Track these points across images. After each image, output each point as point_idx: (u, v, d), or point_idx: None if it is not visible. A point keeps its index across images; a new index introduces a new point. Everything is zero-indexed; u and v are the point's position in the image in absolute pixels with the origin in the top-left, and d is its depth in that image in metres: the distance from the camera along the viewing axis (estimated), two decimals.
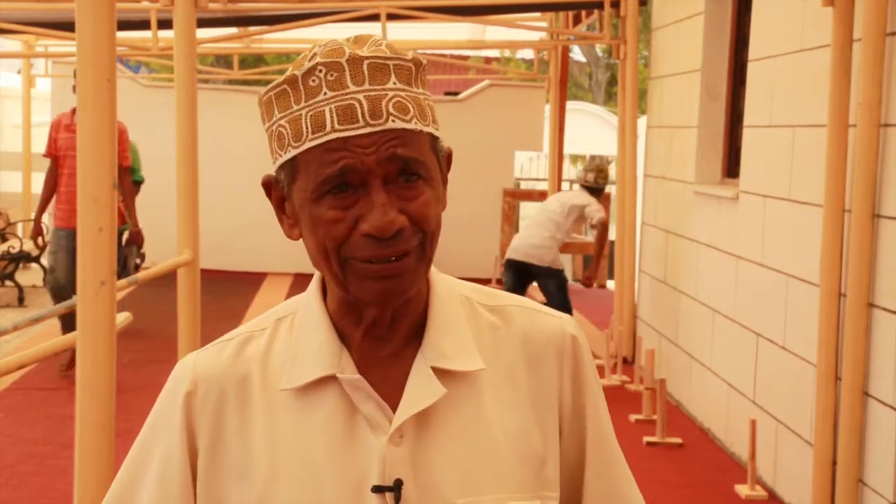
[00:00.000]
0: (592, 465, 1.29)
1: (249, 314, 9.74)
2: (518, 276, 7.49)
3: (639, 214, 8.24)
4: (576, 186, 7.95)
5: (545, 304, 7.78)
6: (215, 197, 11.19)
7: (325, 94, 1.15)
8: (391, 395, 1.19)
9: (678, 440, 6.00)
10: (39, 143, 13.29)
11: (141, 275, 3.56)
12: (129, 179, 7.34)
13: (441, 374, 1.21)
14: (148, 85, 12.89)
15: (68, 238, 6.96)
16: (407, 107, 1.15)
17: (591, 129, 20.95)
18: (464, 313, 1.26)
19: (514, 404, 1.24)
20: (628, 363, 7.74)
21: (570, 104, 13.99)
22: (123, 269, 7.43)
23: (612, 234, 9.32)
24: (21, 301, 10.05)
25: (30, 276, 11.26)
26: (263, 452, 1.20)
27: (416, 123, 1.16)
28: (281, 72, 14.82)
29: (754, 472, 5.18)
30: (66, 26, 7.27)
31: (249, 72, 13.47)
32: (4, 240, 11.25)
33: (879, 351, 4.18)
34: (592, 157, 8.34)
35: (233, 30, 9.47)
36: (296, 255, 12.49)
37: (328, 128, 1.14)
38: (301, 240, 1.22)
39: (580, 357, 1.29)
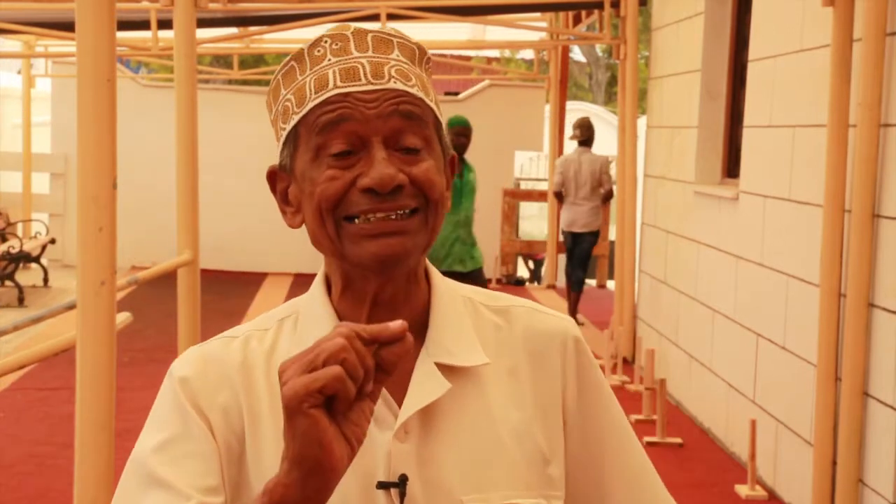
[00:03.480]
0: (618, 475, 1.27)
1: (249, 314, 9.73)
2: (575, 241, 9.26)
3: (639, 214, 8.24)
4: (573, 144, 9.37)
5: (574, 261, 9.16)
6: (215, 197, 11.19)
7: (329, 59, 1.16)
8: (396, 390, 1.18)
9: (678, 440, 6.00)
10: (39, 143, 13.33)
11: (141, 275, 3.56)
12: None
13: (445, 369, 1.20)
14: (148, 85, 12.89)
15: None
16: (409, 75, 1.17)
17: None
18: (466, 312, 1.25)
19: (518, 402, 1.23)
20: (628, 363, 7.74)
21: (570, 104, 13.99)
22: None
23: (612, 235, 9.71)
24: (21, 301, 10.06)
25: (30, 276, 11.27)
26: (271, 444, 1.17)
27: (417, 91, 1.17)
28: None
29: (754, 472, 5.18)
30: (66, 26, 7.25)
31: (249, 72, 13.47)
32: (4, 240, 11.26)
33: (879, 351, 4.18)
34: (579, 119, 9.11)
35: (233, 30, 9.48)
36: (296, 255, 12.52)
37: (330, 85, 1.15)
38: (304, 227, 1.20)
39: (582, 357, 1.27)
